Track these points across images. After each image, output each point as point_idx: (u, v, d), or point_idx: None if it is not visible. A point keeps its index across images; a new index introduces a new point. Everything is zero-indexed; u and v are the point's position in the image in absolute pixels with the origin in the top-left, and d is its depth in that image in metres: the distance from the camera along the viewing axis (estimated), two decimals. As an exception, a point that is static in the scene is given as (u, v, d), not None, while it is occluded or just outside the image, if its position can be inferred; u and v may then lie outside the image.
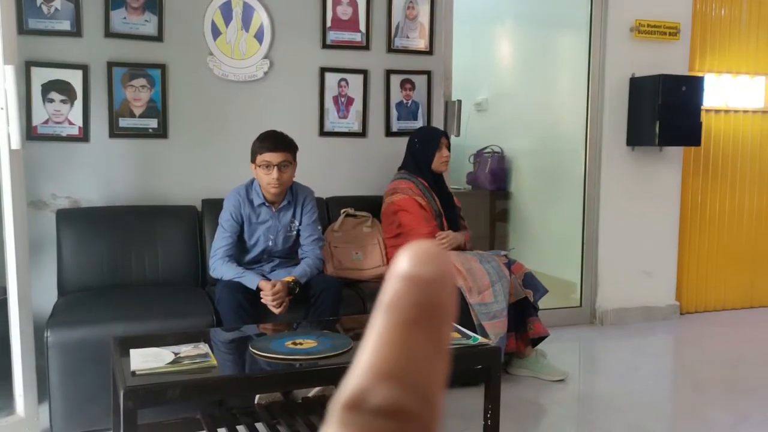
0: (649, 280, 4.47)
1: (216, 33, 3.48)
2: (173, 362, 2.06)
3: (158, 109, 3.40)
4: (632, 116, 4.29)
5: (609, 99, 4.29)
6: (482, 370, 2.35)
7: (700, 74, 4.43)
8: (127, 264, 3.11)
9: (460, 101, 4.01)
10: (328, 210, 3.55)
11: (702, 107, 4.27)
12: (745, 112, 4.75)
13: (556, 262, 4.70)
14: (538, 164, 5.15)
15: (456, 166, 5.09)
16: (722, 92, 4.65)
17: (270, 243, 3.00)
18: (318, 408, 2.61)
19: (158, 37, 3.37)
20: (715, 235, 4.74)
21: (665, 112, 4.10)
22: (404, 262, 0.30)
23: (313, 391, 2.75)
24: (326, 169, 3.70)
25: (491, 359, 2.31)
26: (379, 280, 3.40)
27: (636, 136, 4.28)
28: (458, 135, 4.04)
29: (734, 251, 4.80)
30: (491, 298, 3.10)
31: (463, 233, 3.45)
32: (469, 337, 2.38)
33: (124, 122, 3.35)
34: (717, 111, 4.66)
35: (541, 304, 3.39)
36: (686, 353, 4.15)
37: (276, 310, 2.78)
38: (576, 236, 4.47)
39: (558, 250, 4.78)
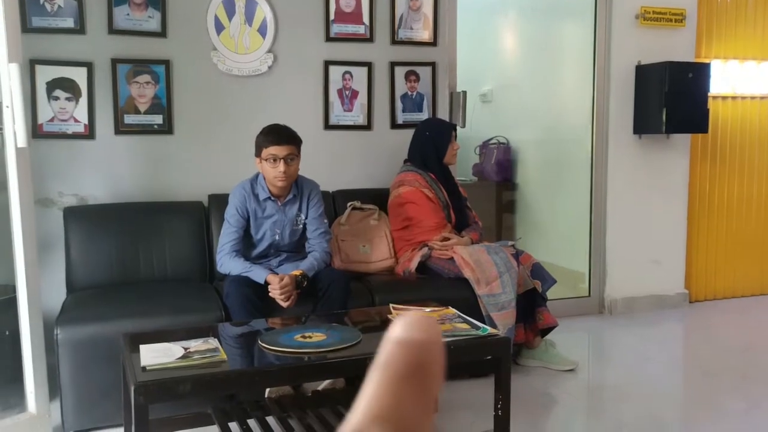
0: (657, 269, 4.45)
1: (219, 28, 3.47)
2: (183, 357, 2.06)
3: (163, 105, 3.40)
4: (639, 104, 4.26)
5: (615, 87, 4.26)
6: (492, 361, 2.34)
7: (706, 61, 4.40)
8: (135, 260, 3.12)
9: (465, 92, 4.00)
10: (335, 203, 3.55)
11: (709, 94, 4.23)
12: (752, 98, 4.72)
13: (563, 252, 4.69)
14: (544, 154, 5.13)
15: (462, 157, 5.07)
16: (729, 78, 4.62)
17: (277, 237, 2.99)
18: (328, 401, 2.61)
19: (162, 33, 3.37)
20: (723, 223, 4.72)
21: (672, 100, 4.07)
22: (398, 328, 0.35)
23: (323, 385, 2.75)
24: (332, 163, 3.70)
25: (501, 350, 2.30)
26: (386, 272, 3.40)
27: (643, 124, 4.25)
28: (464, 126, 4.02)
29: (743, 238, 4.77)
30: (499, 289, 3.09)
31: (470, 234, 3.43)
32: (478, 328, 2.38)
33: (129, 119, 3.35)
34: (724, 97, 4.63)
35: (550, 294, 3.37)
36: (696, 341, 4.13)
37: (284, 304, 2.78)
38: (583, 226, 4.46)
39: (565, 240, 4.76)
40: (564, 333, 3.56)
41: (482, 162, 5.38)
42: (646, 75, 4.21)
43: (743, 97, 4.69)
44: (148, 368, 1.99)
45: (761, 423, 2.80)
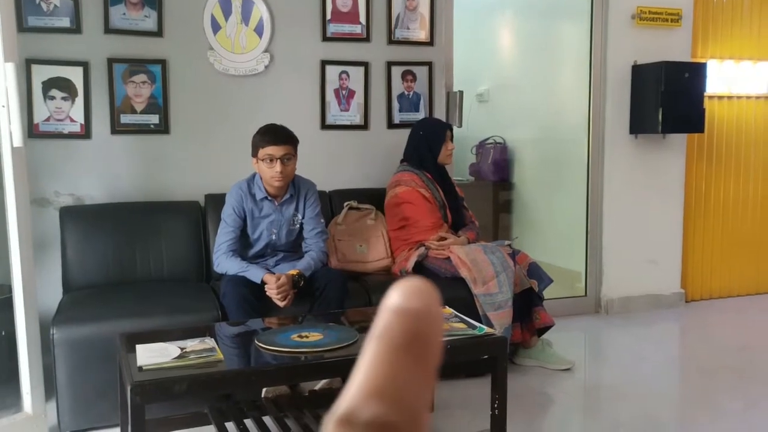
0: (654, 269, 4.45)
1: (216, 27, 3.47)
2: (180, 357, 2.06)
3: (159, 105, 3.39)
4: (635, 104, 4.27)
5: (611, 87, 4.27)
6: (488, 361, 2.34)
7: (702, 60, 4.41)
8: (132, 260, 3.11)
9: (461, 92, 4.00)
10: (332, 203, 3.54)
11: (705, 94, 4.24)
12: (748, 98, 4.73)
13: (560, 252, 4.69)
14: (540, 154, 5.13)
15: (459, 157, 5.08)
16: (725, 78, 4.63)
17: (273, 237, 2.99)
18: (325, 401, 2.61)
19: (158, 33, 3.37)
20: (719, 222, 4.73)
21: (668, 100, 4.08)
22: (395, 296, 0.33)
23: (320, 384, 2.75)
24: (329, 163, 3.70)
25: (497, 349, 2.30)
26: (383, 272, 3.40)
27: (639, 124, 4.26)
28: (460, 126, 4.03)
29: (739, 238, 4.78)
30: (496, 288, 3.09)
31: (467, 234, 3.43)
32: (474, 327, 2.38)
33: (125, 118, 3.35)
34: (720, 97, 4.64)
35: (546, 294, 3.38)
36: (692, 341, 4.14)
37: (281, 303, 2.78)
38: (580, 225, 4.46)
39: (562, 240, 4.77)
40: (561, 332, 3.56)
41: (479, 162, 5.38)
42: (642, 75, 4.22)
43: (739, 97, 4.70)
44: (144, 368, 1.98)
45: (758, 422, 2.81)
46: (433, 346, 0.33)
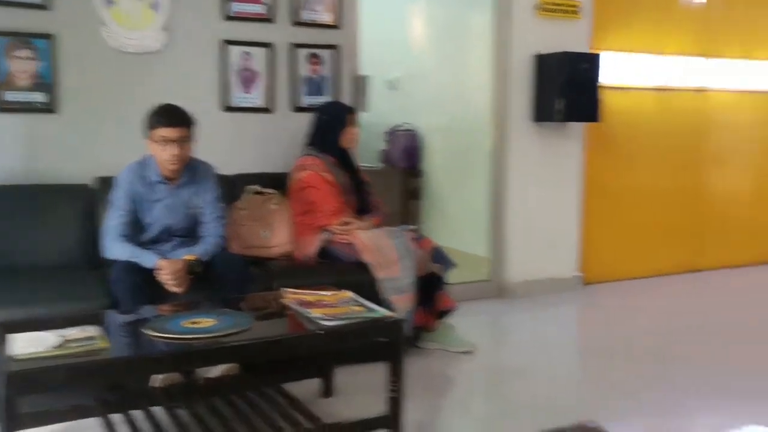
0: (554, 253, 4.59)
1: (108, 1, 3.30)
2: (59, 346, 1.95)
3: (47, 83, 3.20)
4: (537, 93, 4.37)
5: (515, 76, 4.35)
6: (387, 344, 2.34)
7: (600, 52, 4.56)
8: (14, 246, 2.94)
9: (367, 76, 3.98)
10: (233, 187, 3.45)
11: (603, 85, 4.39)
12: (644, 89, 4.94)
13: (467, 238, 4.77)
14: (450, 142, 5.19)
15: (368, 143, 5.07)
16: (623, 70, 4.81)
17: (169, 221, 2.88)
18: (221, 389, 2.54)
19: (44, 5, 3.17)
20: (616, 208, 4.92)
21: (568, 89, 4.20)
22: None
23: (219, 371, 2.67)
24: (231, 146, 3.60)
25: (394, 331, 2.30)
26: (286, 257, 3.34)
27: (541, 113, 4.37)
28: (365, 111, 4.01)
29: (634, 223, 5.00)
30: (399, 272, 3.10)
31: (372, 219, 3.42)
32: (373, 310, 2.37)
33: (9, 96, 3.14)
34: (618, 89, 4.82)
35: (452, 278, 3.42)
36: (590, 322, 4.30)
37: (176, 290, 2.68)
38: (485, 211, 4.54)
39: (468, 226, 4.85)
40: (464, 317, 3.62)
41: (390, 148, 5.39)
42: (544, 65, 4.32)
43: (636, 89, 4.90)
44: (17, 358, 1.87)
45: (652, 401, 2.92)
46: None
